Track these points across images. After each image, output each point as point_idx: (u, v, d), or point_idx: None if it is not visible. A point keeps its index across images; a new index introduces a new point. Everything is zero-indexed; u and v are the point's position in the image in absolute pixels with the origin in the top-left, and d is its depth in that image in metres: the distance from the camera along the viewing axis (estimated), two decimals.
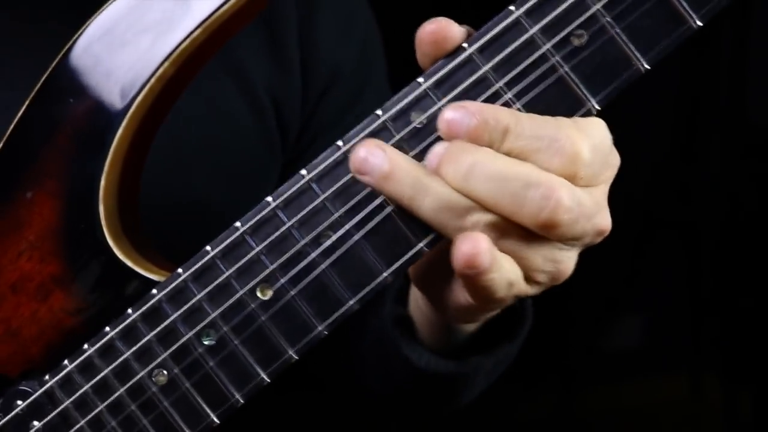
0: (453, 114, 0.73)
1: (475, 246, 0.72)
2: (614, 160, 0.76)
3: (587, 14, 0.73)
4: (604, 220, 0.76)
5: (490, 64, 0.74)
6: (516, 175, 0.72)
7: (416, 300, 0.91)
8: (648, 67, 0.74)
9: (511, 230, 0.74)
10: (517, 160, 0.73)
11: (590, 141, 0.73)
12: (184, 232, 1.02)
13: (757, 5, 2.33)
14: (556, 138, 0.72)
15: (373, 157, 0.74)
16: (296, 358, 0.79)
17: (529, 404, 2.58)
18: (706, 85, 2.44)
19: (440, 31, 0.75)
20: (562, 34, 0.74)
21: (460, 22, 0.76)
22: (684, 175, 2.55)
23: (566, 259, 0.77)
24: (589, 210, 0.74)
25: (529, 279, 0.76)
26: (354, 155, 0.75)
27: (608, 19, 0.73)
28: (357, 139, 0.77)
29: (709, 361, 2.63)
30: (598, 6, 0.73)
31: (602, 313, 2.65)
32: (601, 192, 0.76)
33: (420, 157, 0.75)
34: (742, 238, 2.55)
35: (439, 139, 0.75)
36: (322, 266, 0.77)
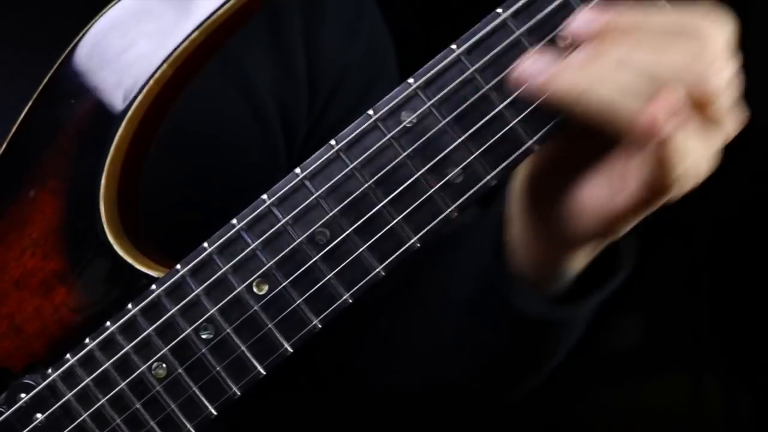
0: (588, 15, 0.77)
1: (666, 101, 0.75)
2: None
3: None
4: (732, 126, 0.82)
5: (477, 65, 0.77)
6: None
7: (519, 251, 0.88)
8: None
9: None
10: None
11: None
12: (185, 236, 1.04)
13: (757, 5, 2.34)
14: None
15: (536, 63, 0.77)
16: (291, 351, 0.81)
17: (529, 404, 2.59)
18: None
19: None
20: (549, 36, 0.76)
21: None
22: None
23: (712, 150, 0.80)
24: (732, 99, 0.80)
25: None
26: (517, 70, 0.77)
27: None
28: (349, 138, 0.79)
29: (709, 361, 2.63)
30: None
31: (602, 313, 2.65)
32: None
33: (412, 155, 0.78)
34: (742, 238, 2.56)
35: (429, 139, 0.78)
36: (317, 263, 0.80)
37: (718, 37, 0.77)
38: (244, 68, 1.06)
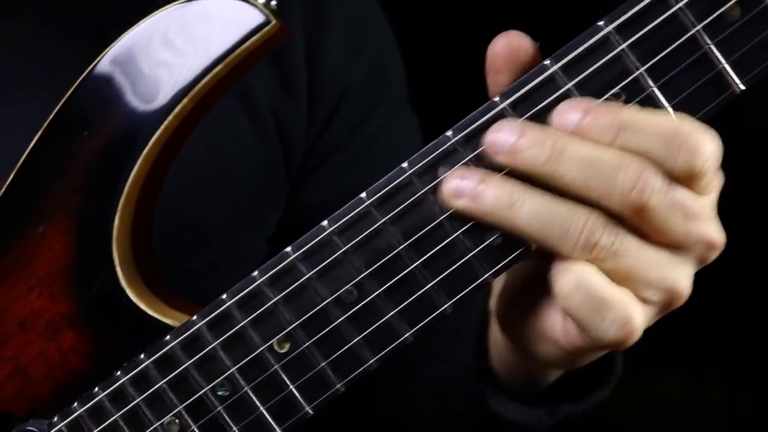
0: (568, 106, 0.71)
1: (578, 277, 0.71)
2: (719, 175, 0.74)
3: (629, 78, 0.71)
4: (711, 230, 0.73)
5: (523, 118, 0.72)
6: (602, 157, 0.70)
7: (499, 351, 0.86)
8: None
9: (616, 229, 0.71)
10: (603, 146, 0.70)
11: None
12: (185, 252, 1.00)
13: None
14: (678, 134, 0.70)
15: (463, 181, 0.72)
16: (312, 413, 0.77)
17: None
18: None
19: (512, 42, 0.73)
20: (603, 96, 0.71)
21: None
22: None
23: (679, 274, 0.73)
24: (689, 208, 0.71)
25: (641, 297, 0.73)
26: (443, 185, 0.73)
27: (651, 86, 0.71)
28: (381, 193, 0.74)
29: (709, 361, 2.62)
30: (642, 70, 0.71)
31: None
32: (709, 200, 0.73)
33: (450, 216, 0.73)
34: (741, 238, 2.54)
35: None
36: (343, 323, 0.75)
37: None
38: (245, 82, 1.03)
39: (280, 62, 1.04)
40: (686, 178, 0.71)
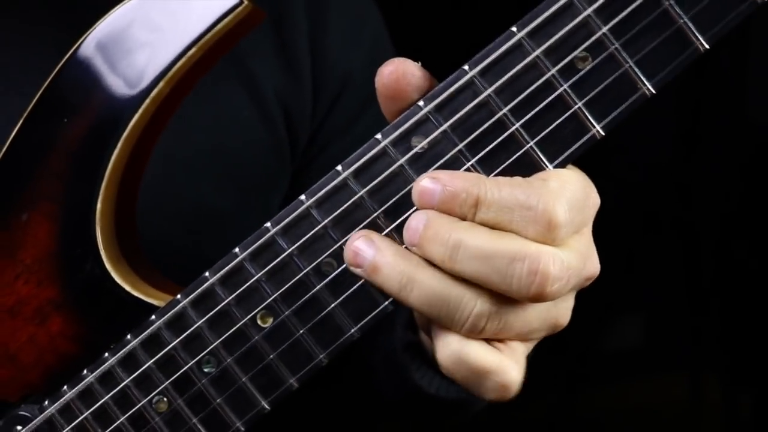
0: (426, 184, 0.73)
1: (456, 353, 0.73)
2: (593, 201, 0.75)
3: (593, 38, 0.72)
4: (593, 267, 0.75)
5: (492, 88, 0.73)
6: (498, 251, 0.71)
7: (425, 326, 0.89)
8: (654, 92, 0.72)
9: (501, 312, 0.73)
10: (498, 233, 0.72)
11: (564, 199, 0.72)
12: (194, 240, 1.01)
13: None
14: (528, 206, 0.71)
15: (363, 251, 0.74)
16: (296, 386, 0.78)
17: (529, 404, 2.57)
18: (707, 85, 2.43)
19: (398, 69, 0.75)
20: (568, 58, 0.73)
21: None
22: (684, 175, 2.54)
23: (558, 312, 0.76)
24: (577, 266, 0.73)
25: (526, 340, 0.76)
26: (347, 248, 0.75)
27: (614, 44, 0.72)
28: (358, 164, 0.75)
29: (709, 361, 2.62)
30: (605, 30, 0.72)
31: (602, 313, 2.64)
32: (586, 239, 0.75)
33: None
34: (741, 238, 2.54)
35: (441, 166, 0.74)
36: (324, 295, 0.76)
37: (553, 217, 0.72)
38: (251, 69, 1.04)
39: (285, 50, 1.06)
40: (550, 242, 0.71)
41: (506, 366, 0.74)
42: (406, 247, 0.74)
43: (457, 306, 0.72)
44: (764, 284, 2.51)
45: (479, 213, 0.72)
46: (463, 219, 0.72)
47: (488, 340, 0.75)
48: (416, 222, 0.73)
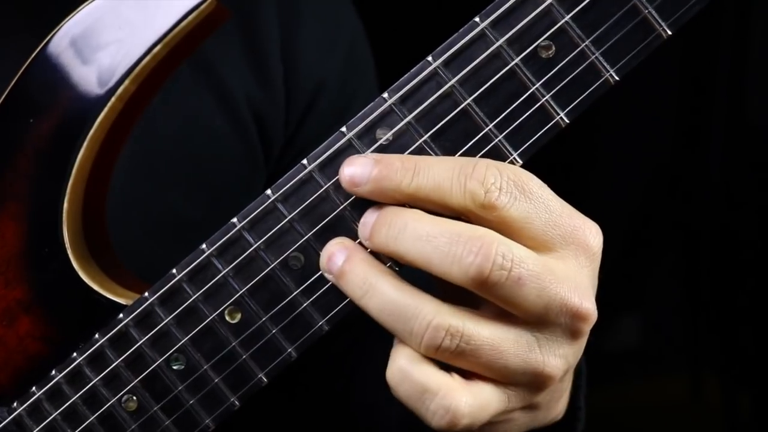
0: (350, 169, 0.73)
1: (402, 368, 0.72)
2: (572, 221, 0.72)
3: (555, 27, 0.71)
4: (574, 298, 0.69)
5: (456, 78, 0.73)
6: (442, 232, 0.69)
7: None
8: (617, 78, 0.72)
9: (462, 328, 0.70)
10: (442, 219, 0.70)
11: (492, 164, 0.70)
12: (167, 248, 1.00)
13: (756, 5, 2.31)
14: (465, 174, 0.70)
15: (335, 257, 0.74)
16: (266, 381, 0.77)
17: None
18: (706, 86, 2.42)
19: None
20: (531, 47, 0.72)
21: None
22: (684, 175, 2.53)
23: (545, 356, 0.71)
24: (538, 273, 0.69)
25: (506, 383, 0.72)
26: (322, 253, 0.74)
27: (576, 32, 0.71)
28: (323, 158, 0.75)
29: (709, 361, 2.61)
30: (567, 18, 0.71)
31: (602, 313, 2.63)
32: (568, 265, 0.70)
33: None
34: (741, 238, 2.53)
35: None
36: (292, 289, 0.76)
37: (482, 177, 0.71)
38: (221, 77, 1.04)
39: (256, 57, 1.05)
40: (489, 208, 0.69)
41: (452, 389, 0.70)
42: (371, 252, 0.73)
43: (416, 316, 0.70)
44: (764, 284, 2.50)
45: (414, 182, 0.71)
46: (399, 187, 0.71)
47: (452, 369, 0.72)
48: (368, 217, 0.73)
